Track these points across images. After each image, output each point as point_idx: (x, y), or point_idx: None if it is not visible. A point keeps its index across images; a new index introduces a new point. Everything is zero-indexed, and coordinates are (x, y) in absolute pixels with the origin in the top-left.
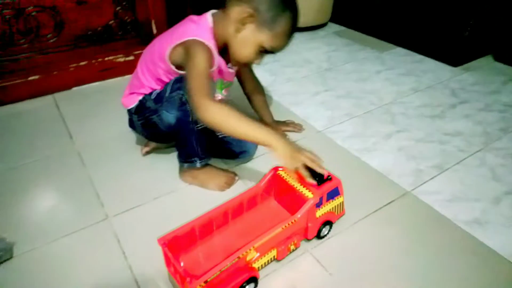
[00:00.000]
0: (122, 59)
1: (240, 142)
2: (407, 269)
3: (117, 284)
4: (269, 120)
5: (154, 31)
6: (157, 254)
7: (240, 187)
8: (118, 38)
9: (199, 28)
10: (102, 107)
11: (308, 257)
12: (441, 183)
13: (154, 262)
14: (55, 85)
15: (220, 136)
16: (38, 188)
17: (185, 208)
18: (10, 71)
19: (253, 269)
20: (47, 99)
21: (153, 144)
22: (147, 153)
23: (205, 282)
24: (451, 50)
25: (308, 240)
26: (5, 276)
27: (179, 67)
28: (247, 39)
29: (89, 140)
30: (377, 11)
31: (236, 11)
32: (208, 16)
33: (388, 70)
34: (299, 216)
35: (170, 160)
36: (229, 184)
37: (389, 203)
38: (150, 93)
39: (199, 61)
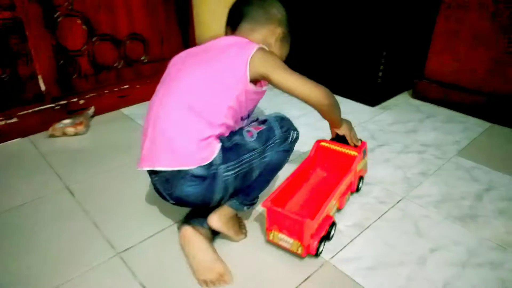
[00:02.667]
0: (2, 122)
1: None
2: None
3: None
4: None
5: (43, 87)
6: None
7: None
8: None
9: (248, 40)
10: None
11: None
12: (362, 246)
13: None
14: None
15: None
16: None
17: None
18: None
19: (331, 216)
20: None
21: None
22: None
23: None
24: (368, 90)
25: (352, 193)
26: None
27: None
28: None
29: None
30: (292, 53)
31: (268, 30)
32: (237, 34)
33: (307, 114)
34: (355, 166)
35: None
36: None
37: (307, 278)
38: (235, 132)
39: (281, 60)
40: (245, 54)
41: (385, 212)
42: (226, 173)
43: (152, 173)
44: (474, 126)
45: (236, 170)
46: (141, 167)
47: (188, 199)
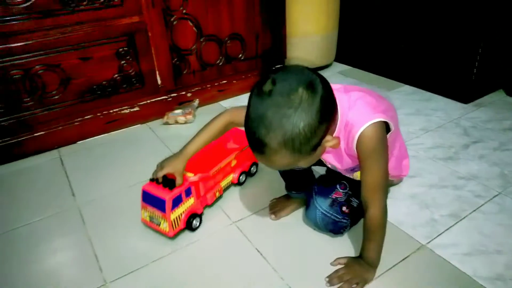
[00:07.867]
0: (127, 111)
1: None
2: None
3: None
4: None
5: (159, 81)
6: None
7: None
8: (122, 91)
9: None
10: (106, 161)
11: None
12: (458, 234)
13: None
14: (60, 140)
15: None
16: (38, 249)
17: (177, 275)
18: (15, 129)
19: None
20: (52, 154)
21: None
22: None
23: None
24: (461, 86)
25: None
26: None
27: None
28: None
29: (91, 197)
30: (383, 49)
31: None
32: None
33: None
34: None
35: None
36: None
37: (403, 259)
38: None
39: None
40: None
41: (481, 205)
42: None
43: None
44: None
45: None
46: None
47: None
